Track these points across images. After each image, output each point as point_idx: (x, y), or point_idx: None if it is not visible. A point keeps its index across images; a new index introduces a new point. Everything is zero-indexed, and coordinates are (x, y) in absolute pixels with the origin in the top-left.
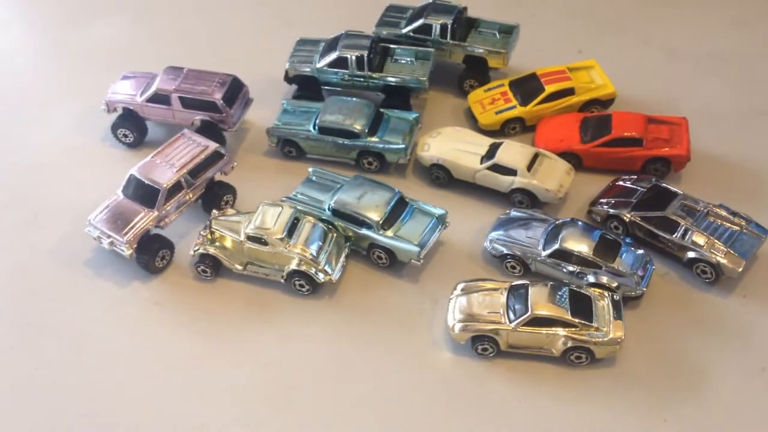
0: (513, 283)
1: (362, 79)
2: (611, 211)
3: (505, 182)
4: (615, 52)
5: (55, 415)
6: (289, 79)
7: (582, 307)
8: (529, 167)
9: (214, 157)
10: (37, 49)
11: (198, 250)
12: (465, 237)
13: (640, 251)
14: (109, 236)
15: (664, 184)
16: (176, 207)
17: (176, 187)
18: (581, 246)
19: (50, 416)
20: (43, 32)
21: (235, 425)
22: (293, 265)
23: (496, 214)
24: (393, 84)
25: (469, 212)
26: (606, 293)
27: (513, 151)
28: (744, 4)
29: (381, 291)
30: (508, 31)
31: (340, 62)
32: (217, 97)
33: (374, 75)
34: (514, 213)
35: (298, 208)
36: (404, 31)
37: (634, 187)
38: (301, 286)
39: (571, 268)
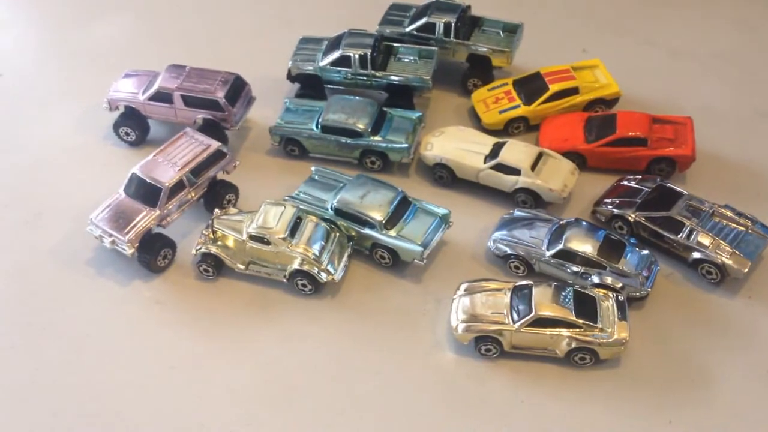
0: (517, 284)
1: (365, 78)
2: (616, 211)
3: (508, 182)
4: (619, 52)
5: (55, 415)
6: (291, 77)
7: (586, 307)
8: (533, 167)
9: (217, 156)
10: (38, 49)
11: (200, 249)
12: (468, 237)
13: (645, 252)
14: (110, 235)
15: (669, 184)
16: (178, 206)
17: (178, 186)
18: (585, 246)
19: (50, 416)
20: (44, 32)
21: (235, 425)
22: (296, 265)
23: (499, 213)
24: (396, 83)
25: (473, 212)
26: (610, 294)
27: (517, 151)
28: (747, 4)
29: (384, 291)
30: (512, 30)
31: (343, 61)
32: (220, 95)
33: (377, 74)
34: (517, 213)
35: (301, 207)
36: (407, 29)
37: (639, 187)
38: (304, 285)
39: (575, 269)
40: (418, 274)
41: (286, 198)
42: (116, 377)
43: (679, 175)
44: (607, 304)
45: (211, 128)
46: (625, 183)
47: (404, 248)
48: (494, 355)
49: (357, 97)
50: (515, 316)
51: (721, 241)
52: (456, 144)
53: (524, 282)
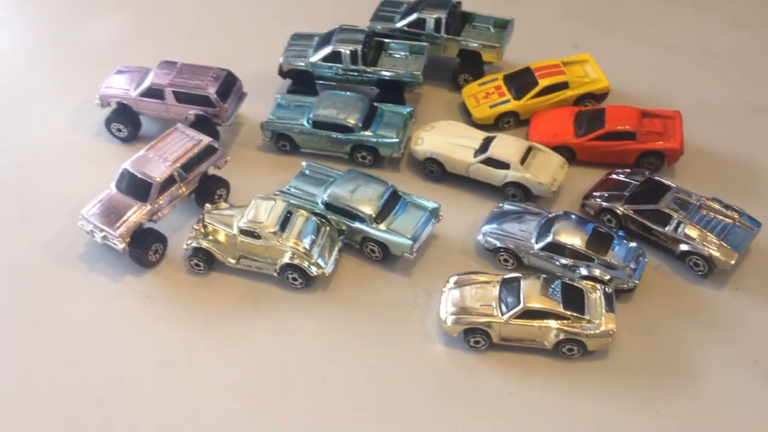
0: (505, 276)
1: (356, 74)
2: (605, 204)
3: (498, 176)
4: (610, 47)
5: (49, 411)
6: (283, 73)
7: (574, 299)
8: (523, 161)
9: (208, 151)
10: (33, 46)
11: (191, 243)
12: (458, 230)
13: (633, 244)
14: (101, 230)
15: (657, 178)
16: (169, 201)
17: (169, 181)
18: (574, 239)
19: (44, 411)
20: (39, 29)
21: (228, 418)
22: (286, 259)
23: (489, 207)
24: (387, 78)
25: (463, 206)
26: (598, 286)
27: (506, 145)
28: (738, 0)
29: (374, 284)
30: (503, 26)
31: (335, 56)
32: (211, 91)
33: (368, 69)
34: (507, 206)
35: (291, 201)
36: (398, 25)
37: (628, 180)
38: (294, 279)
39: (563, 261)
40: (408, 267)
41: (277, 192)
42: (109, 371)
43: (668, 169)
44: (595, 296)
45: (202, 124)
46: (614, 176)
47: (394, 242)
48: (483, 347)
49: (348, 93)
50: (504, 309)
51: (709, 234)
52: (446, 138)
53: (513, 275)
